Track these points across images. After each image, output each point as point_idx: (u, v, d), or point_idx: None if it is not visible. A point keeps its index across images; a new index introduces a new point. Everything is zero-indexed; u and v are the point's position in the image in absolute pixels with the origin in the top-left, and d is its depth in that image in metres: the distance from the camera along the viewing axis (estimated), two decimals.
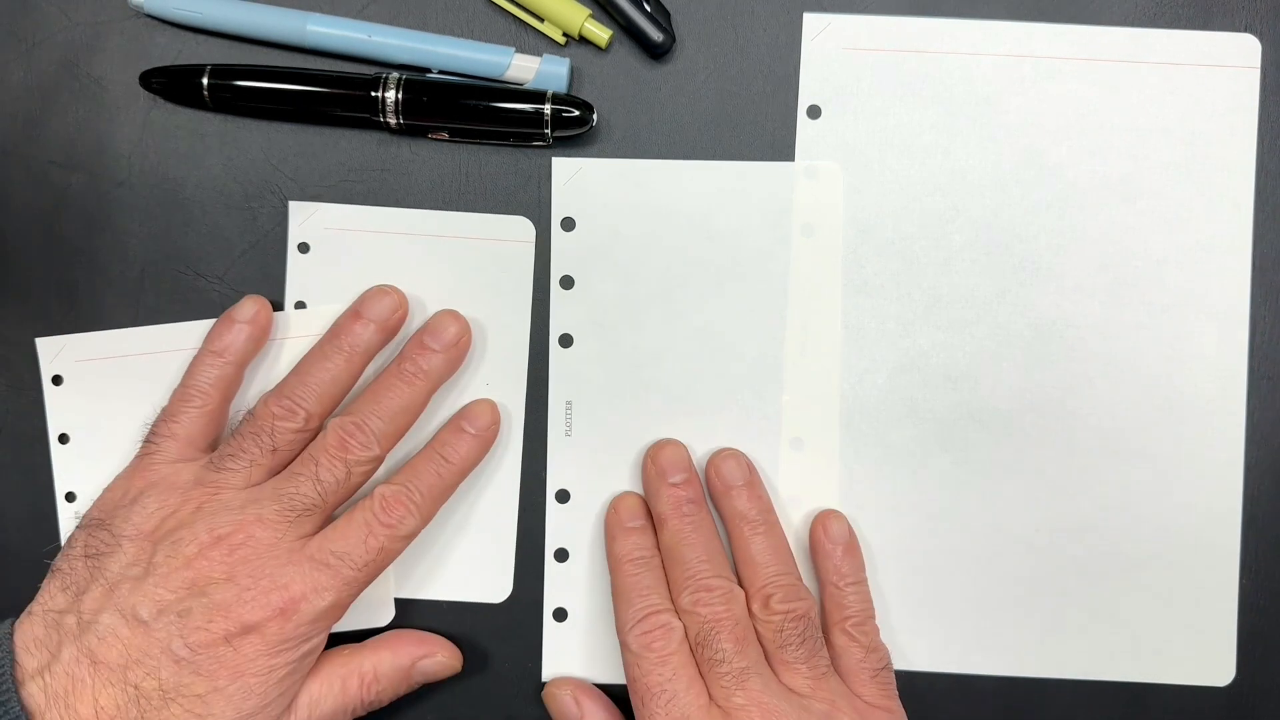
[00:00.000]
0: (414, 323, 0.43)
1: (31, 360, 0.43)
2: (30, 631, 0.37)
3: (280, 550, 0.38)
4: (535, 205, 0.43)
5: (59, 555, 0.39)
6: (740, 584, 0.41)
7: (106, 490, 0.41)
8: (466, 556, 0.43)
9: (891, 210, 0.43)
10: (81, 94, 0.43)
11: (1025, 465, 0.43)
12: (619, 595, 0.41)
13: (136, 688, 0.36)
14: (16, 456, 0.43)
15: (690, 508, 0.41)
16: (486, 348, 0.43)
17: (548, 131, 0.41)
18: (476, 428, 0.42)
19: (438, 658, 0.42)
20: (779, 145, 0.43)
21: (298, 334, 0.43)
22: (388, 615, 0.43)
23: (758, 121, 0.43)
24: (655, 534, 0.42)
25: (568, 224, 0.43)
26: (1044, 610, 0.43)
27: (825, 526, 0.42)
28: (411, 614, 0.43)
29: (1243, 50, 0.43)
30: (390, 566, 0.40)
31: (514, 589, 0.43)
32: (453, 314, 0.42)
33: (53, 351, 0.43)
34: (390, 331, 0.42)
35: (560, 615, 0.43)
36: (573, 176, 0.43)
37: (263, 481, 0.39)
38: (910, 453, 0.43)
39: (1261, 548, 0.43)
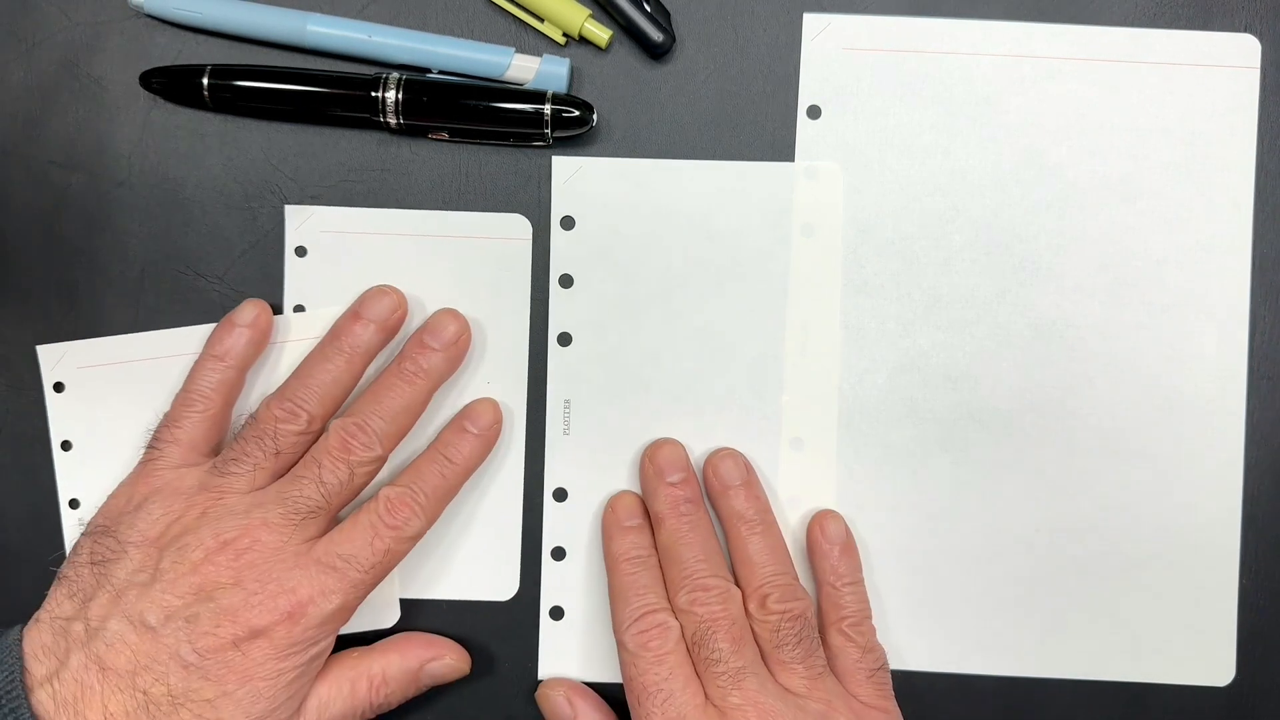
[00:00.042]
0: (413, 323, 0.43)
1: (31, 361, 0.43)
2: (38, 639, 0.37)
3: (286, 554, 0.38)
4: (535, 205, 0.43)
5: (65, 562, 0.39)
6: (737, 584, 0.41)
7: (111, 497, 0.41)
8: (472, 555, 0.43)
9: (891, 210, 0.43)
10: (81, 94, 0.43)
11: (1025, 465, 0.43)
12: (616, 594, 0.41)
13: (145, 694, 0.36)
14: (16, 457, 0.43)
15: (688, 507, 0.41)
16: (486, 346, 0.43)
17: (548, 131, 0.41)
18: (479, 427, 0.42)
19: (446, 660, 0.42)
20: (779, 145, 0.43)
21: (298, 337, 0.43)
22: (393, 616, 0.43)
23: (758, 121, 0.43)
24: (652, 533, 0.42)
25: (567, 223, 0.43)
26: (1044, 610, 0.43)
27: (822, 526, 0.42)
28: (413, 614, 0.43)
29: (1242, 50, 0.43)
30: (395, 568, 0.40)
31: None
32: (452, 312, 0.42)
33: (54, 358, 0.43)
34: (390, 331, 0.42)
35: (557, 614, 0.43)
36: (572, 176, 0.43)
37: (266, 485, 0.39)
38: (910, 453, 0.43)
39: (1261, 548, 0.43)
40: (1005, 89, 0.43)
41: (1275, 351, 0.43)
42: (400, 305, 0.42)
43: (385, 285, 0.42)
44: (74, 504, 0.43)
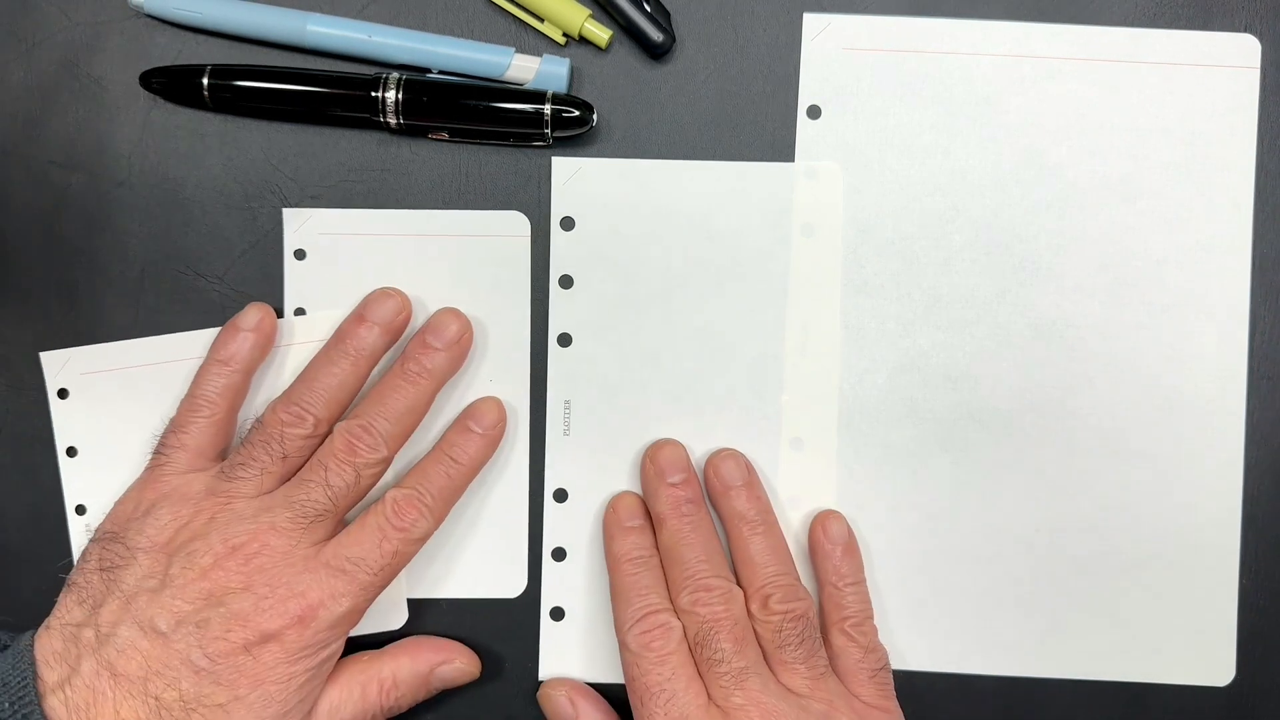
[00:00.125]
0: (414, 323, 0.43)
1: (31, 361, 0.43)
2: (49, 645, 0.37)
3: (295, 558, 0.38)
4: (535, 205, 0.43)
5: (73, 569, 0.39)
6: (739, 584, 0.41)
7: (118, 503, 0.41)
8: (479, 554, 0.43)
9: (891, 210, 0.43)
10: (81, 94, 0.43)
11: (1025, 465, 0.43)
12: (618, 595, 0.41)
13: (157, 699, 0.36)
14: (17, 458, 0.43)
15: (689, 508, 0.41)
16: (488, 345, 0.43)
17: (548, 131, 0.41)
18: (483, 427, 0.42)
19: (456, 664, 0.42)
20: (779, 145, 0.43)
21: (302, 340, 0.43)
22: (401, 618, 0.43)
23: (758, 121, 0.43)
24: (654, 534, 0.42)
25: (567, 223, 0.43)
26: (1044, 610, 0.43)
27: (824, 527, 0.42)
28: (416, 614, 0.43)
29: (1242, 50, 0.43)
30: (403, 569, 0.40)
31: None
32: (453, 311, 0.42)
33: (58, 364, 0.43)
34: (395, 333, 0.42)
35: (557, 614, 0.43)
36: (572, 176, 0.43)
37: (274, 489, 0.39)
38: (910, 453, 0.43)
39: (1261, 548, 0.43)
40: (1005, 89, 0.43)
41: (1275, 351, 0.43)
42: (405, 307, 0.42)
43: (389, 288, 0.42)
44: (80, 510, 0.43)
